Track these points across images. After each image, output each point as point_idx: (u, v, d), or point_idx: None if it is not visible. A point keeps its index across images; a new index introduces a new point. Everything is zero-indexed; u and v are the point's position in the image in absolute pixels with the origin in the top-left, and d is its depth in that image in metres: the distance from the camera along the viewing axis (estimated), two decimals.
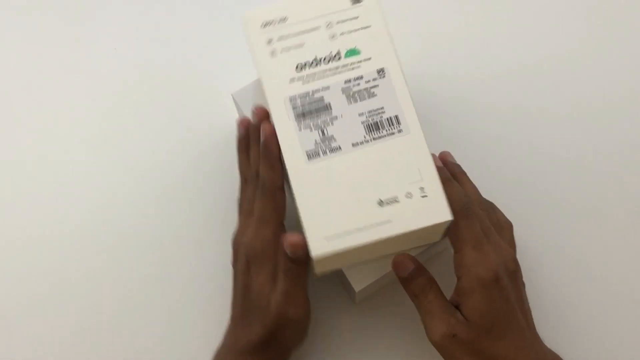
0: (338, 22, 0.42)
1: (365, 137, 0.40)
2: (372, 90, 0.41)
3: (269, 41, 0.41)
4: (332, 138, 0.40)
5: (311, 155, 0.40)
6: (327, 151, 0.40)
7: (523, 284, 0.44)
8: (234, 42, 0.54)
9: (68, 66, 0.57)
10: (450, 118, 0.54)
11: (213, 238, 0.51)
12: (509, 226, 0.46)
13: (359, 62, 0.41)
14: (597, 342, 0.48)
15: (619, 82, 0.55)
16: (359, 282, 0.45)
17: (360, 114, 0.41)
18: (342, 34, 0.41)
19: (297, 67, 0.41)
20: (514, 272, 0.42)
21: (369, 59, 0.41)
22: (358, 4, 0.42)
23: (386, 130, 0.40)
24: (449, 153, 0.47)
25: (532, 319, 0.43)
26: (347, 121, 0.40)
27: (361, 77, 0.41)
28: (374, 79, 0.41)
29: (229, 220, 0.48)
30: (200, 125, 0.55)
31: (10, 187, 0.54)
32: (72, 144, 0.55)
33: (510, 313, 0.40)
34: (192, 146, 0.55)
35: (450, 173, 0.44)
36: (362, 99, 0.41)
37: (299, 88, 0.41)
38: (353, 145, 0.40)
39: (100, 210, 0.53)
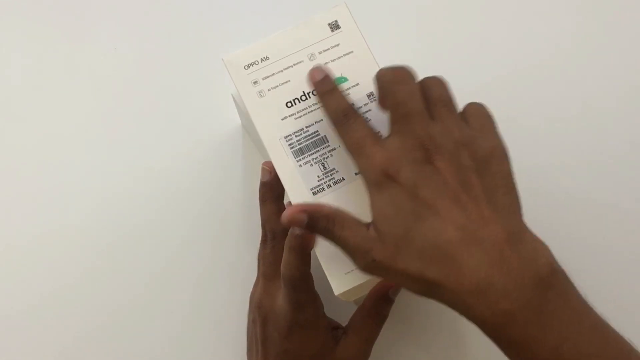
0: (320, 52, 0.41)
1: None
2: (365, 115, 0.40)
3: (255, 82, 0.41)
4: (333, 170, 0.40)
5: (316, 191, 0.39)
6: (332, 184, 0.40)
7: (493, 169, 0.35)
8: (234, 41, 0.54)
9: (68, 66, 0.57)
10: None
11: (213, 238, 0.52)
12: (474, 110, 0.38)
13: (348, 89, 0.41)
14: None
15: (609, 83, 0.56)
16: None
17: None
18: (326, 63, 0.41)
19: (287, 104, 0.40)
20: (428, 156, 0.34)
21: (357, 84, 0.41)
22: (338, 30, 0.41)
23: None
24: (319, 67, 0.38)
25: (512, 209, 0.35)
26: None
27: (352, 104, 0.41)
28: (366, 104, 0.41)
29: (229, 220, 0.51)
30: (200, 124, 0.55)
31: (10, 188, 0.53)
32: (72, 144, 0.54)
33: (430, 208, 0.33)
34: (192, 145, 0.54)
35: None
36: None
37: (292, 125, 0.40)
38: (356, 173, 0.40)
39: (100, 211, 0.52)
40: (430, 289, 0.33)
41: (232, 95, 0.48)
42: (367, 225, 0.35)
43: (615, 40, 0.57)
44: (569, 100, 0.56)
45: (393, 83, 0.36)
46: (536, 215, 0.52)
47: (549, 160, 0.54)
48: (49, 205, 0.53)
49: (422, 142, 0.34)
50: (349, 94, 0.41)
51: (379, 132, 0.37)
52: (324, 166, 0.40)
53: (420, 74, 0.56)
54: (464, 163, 0.34)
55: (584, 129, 0.55)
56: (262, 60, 0.41)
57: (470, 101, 0.38)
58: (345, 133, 0.36)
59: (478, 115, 0.37)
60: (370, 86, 0.41)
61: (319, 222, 0.36)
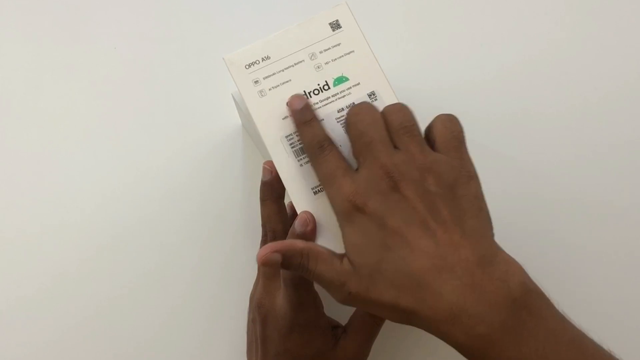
0: (321, 52, 0.41)
1: None
2: None
3: (256, 81, 0.41)
4: None
5: (317, 191, 0.39)
6: None
7: (459, 192, 0.35)
8: (234, 41, 0.54)
9: (68, 65, 0.57)
10: None
11: (213, 237, 0.52)
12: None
13: (349, 88, 0.41)
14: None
15: (602, 79, 0.56)
16: None
17: None
18: (327, 63, 0.41)
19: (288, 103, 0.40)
20: (394, 185, 0.34)
21: (358, 84, 0.41)
22: (339, 30, 0.41)
23: None
24: (299, 96, 0.40)
25: (483, 232, 0.35)
26: (347, 150, 0.40)
27: (353, 104, 0.41)
28: None
29: (229, 219, 0.51)
30: (200, 124, 0.55)
31: (9, 187, 0.53)
32: (72, 143, 0.54)
33: (399, 236, 0.34)
34: (192, 145, 0.54)
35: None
36: None
37: (293, 124, 0.40)
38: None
39: (100, 210, 0.53)
40: (407, 317, 0.34)
41: (232, 95, 0.48)
42: (341, 257, 0.36)
43: (610, 39, 0.58)
44: (566, 98, 0.56)
45: (354, 115, 0.37)
46: (536, 213, 0.52)
47: (547, 158, 0.54)
48: (49, 203, 0.53)
49: (387, 172, 0.35)
50: (350, 93, 0.41)
51: None
52: None
53: (421, 73, 0.57)
54: (430, 189, 0.35)
55: (581, 128, 0.55)
56: (263, 59, 0.41)
57: (441, 113, 0.38)
58: (319, 164, 0.37)
59: (443, 133, 0.37)
60: (371, 85, 0.41)
61: (293, 259, 0.36)
